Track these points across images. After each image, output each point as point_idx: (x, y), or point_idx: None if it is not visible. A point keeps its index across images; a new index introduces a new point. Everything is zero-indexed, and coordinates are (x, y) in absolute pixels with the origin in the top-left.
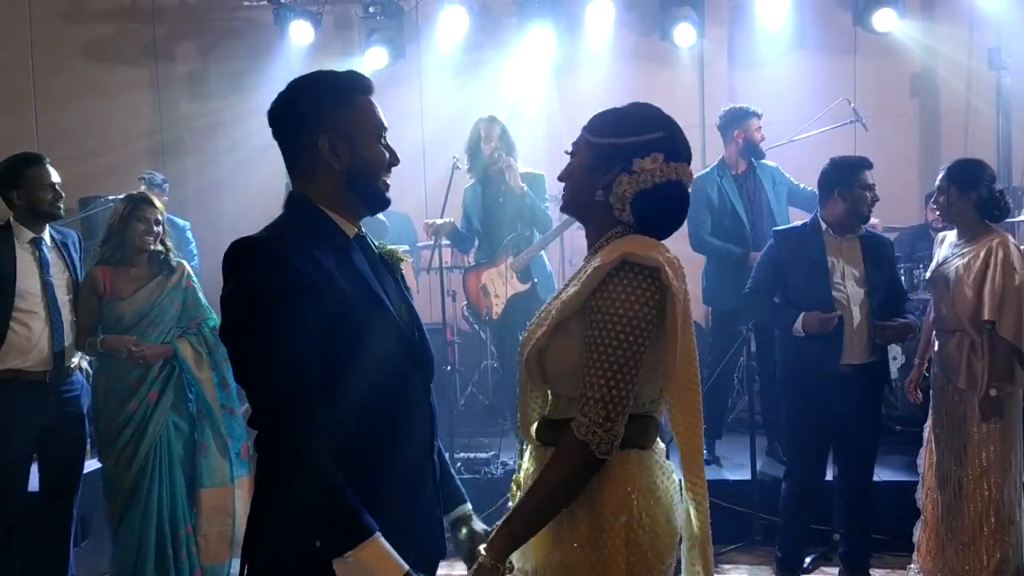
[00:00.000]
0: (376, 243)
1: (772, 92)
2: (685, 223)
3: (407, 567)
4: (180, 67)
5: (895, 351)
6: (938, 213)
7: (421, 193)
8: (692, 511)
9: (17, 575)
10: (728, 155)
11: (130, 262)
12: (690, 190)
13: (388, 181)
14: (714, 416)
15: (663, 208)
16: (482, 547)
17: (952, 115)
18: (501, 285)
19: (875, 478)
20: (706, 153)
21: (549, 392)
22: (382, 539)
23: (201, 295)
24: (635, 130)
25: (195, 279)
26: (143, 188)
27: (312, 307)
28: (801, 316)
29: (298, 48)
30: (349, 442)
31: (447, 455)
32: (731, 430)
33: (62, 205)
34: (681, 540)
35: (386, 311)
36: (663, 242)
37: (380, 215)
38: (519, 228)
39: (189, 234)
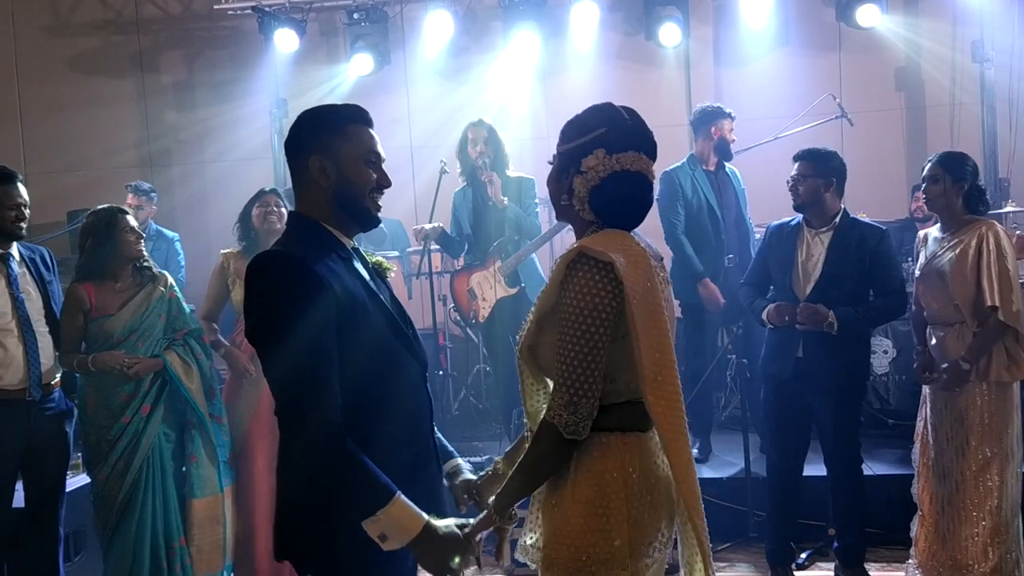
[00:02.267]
0: (366, 256)
1: (758, 89)
2: (663, 215)
3: (427, 517)
4: (165, 77)
5: (886, 345)
6: (924, 201)
7: (410, 198)
8: (675, 488)
9: None
10: (699, 150)
11: (114, 276)
12: (655, 178)
13: (379, 202)
14: (701, 413)
15: (617, 199)
16: (490, 500)
17: (937, 108)
18: (488, 289)
19: (868, 472)
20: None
21: (550, 382)
22: (403, 497)
23: (185, 305)
24: (581, 132)
25: (177, 289)
26: (130, 197)
27: (330, 304)
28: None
29: (283, 56)
30: (362, 424)
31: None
32: (724, 428)
33: (24, 225)
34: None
35: (385, 310)
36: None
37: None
38: (507, 232)
39: (178, 245)
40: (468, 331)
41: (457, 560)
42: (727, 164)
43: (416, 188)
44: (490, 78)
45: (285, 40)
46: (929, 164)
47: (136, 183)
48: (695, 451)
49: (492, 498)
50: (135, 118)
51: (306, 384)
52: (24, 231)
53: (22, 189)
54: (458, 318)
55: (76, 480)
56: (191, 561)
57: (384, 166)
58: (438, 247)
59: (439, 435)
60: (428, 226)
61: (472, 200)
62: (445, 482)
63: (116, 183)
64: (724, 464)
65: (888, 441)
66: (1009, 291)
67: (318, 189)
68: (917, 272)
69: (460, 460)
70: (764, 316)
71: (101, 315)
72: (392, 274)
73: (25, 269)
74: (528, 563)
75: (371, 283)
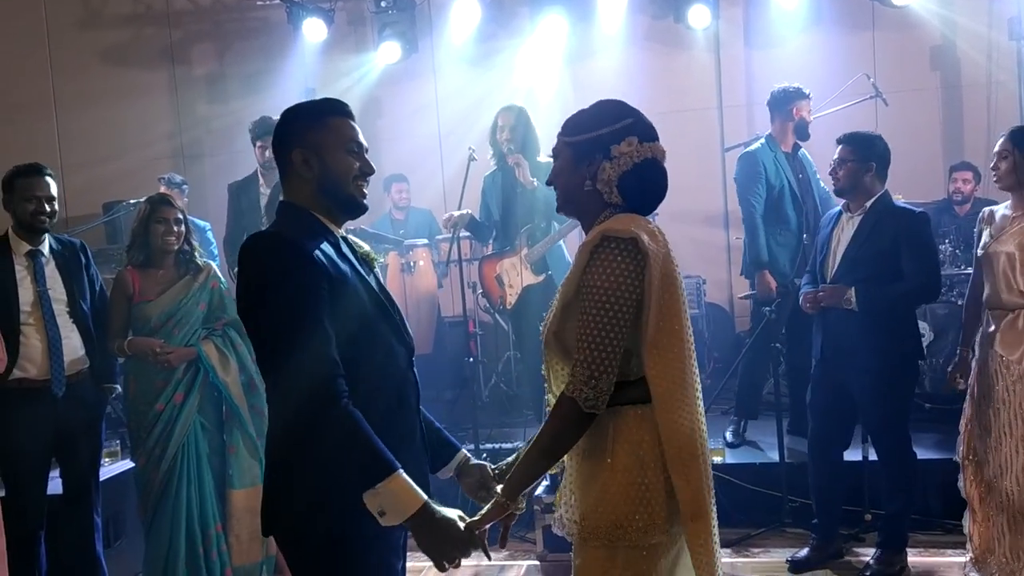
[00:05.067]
0: (354, 245)
1: (790, 71)
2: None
3: (426, 497)
4: (196, 69)
5: (923, 328)
6: (994, 179)
7: (439, 185)
8: (669, 455)
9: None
10: (777, 131)
11: (157, 264)
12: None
13: (364, 189)
14: (751, 397)
15: (646, 184)
16: (499, 487)
17: (974, 87)
18: (515, 276)
19: None
20: (724, 134)
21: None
22: (404, 474)
23: (227, 295)
24: (607, 121)
25: (221, 279)
26: (163, 189)
27: (322, 283)
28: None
29: (312, 46)
30: (355, 403)
31: (472, 447)
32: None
33: (46, 219)
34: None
35: (373, 292)
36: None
37: (398, 215)
38: (535, 219)
39: (210, 234)
40: (498, 318)
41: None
42: (801, 146)
43: (444, 176)
44: (517, 64)
45: (313, 30)
46: (1000, 140)
47: (169, 175)
48: (728, 435)
49: (500, 485)
50: (167, 110)
51: (309, 359)
52: (46, 224)
53: (47, 182)
54: (487, 304)
55: (116, 466)
56: (228, 549)
57: (412, 154)
58: (468, 234)
59: (442, 428)
60: (456, 213)
61: (501, 185)
62: (454, 477)
63: (149, 174)
64: (758, 450)
65: (925, 426)
66: None
67: (303, 180)
68: (979, 252)
69: (465, 451)
70: (801, 305)
71: (142, 300)
72: (424, 260)
73: (54, 265)
74: (566, 536)
75: (359, 267)
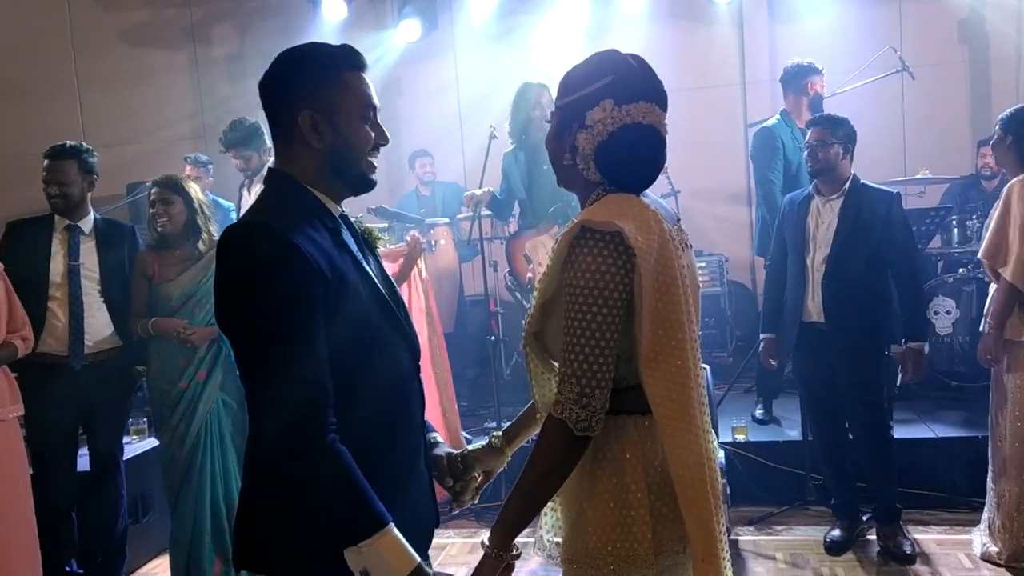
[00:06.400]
0: (355, 222)
1: (815, 44)
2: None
3: (419, 559)
4: (217, 49)
5: (949, 305)
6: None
7: (459, 163)
8: (677, 488)
9: (71, 551)
10: (793, 107)
11: (171, 245)
12: (667, 133)
13: (375, 162)
14: (771, 375)
15: (627, 157)
16: (484, 538)
17: (1002, 62)
18: (544, 254)
19: (930, 434)
20: (748, 109)
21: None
22: (396, 530)
23: None
24: (584, 82)
25: None
26: (188, 168)
27: (316, 286)
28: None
29: (331, 24)
30: (353, 422)
31: (494, 424)
32: (781, 390)
33: (58, 200)
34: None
35: (375, 289)
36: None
37: (424, 191)
38: (565, 196)
39: (234, 215)
40: (519, 297)
41: None
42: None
43: (465, 154)
44: (538, 41)
45: (333, 8)
46: None
47: (195, 155)
48: (758, 412)
49: (487, 536)
50: (189, 90)
51: (291, 381)
52: (59, 206)
53: (59, 166)
54: (510, 283)
55: (144, 443)
56: None
57: (433, 132)
58: (489, 212)
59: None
60: (479, 191)
61: (525, 163)
62: None
63: (172, 155)
64: (782, 427)
65: (951, 403)
66: (1015, 246)
67: (307, 148)
68: None
69: (434, 434)
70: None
71: (162, 280)
72: (445, 239)
73: (94, 243)
74: (547, 558)
75: (360, 258)
